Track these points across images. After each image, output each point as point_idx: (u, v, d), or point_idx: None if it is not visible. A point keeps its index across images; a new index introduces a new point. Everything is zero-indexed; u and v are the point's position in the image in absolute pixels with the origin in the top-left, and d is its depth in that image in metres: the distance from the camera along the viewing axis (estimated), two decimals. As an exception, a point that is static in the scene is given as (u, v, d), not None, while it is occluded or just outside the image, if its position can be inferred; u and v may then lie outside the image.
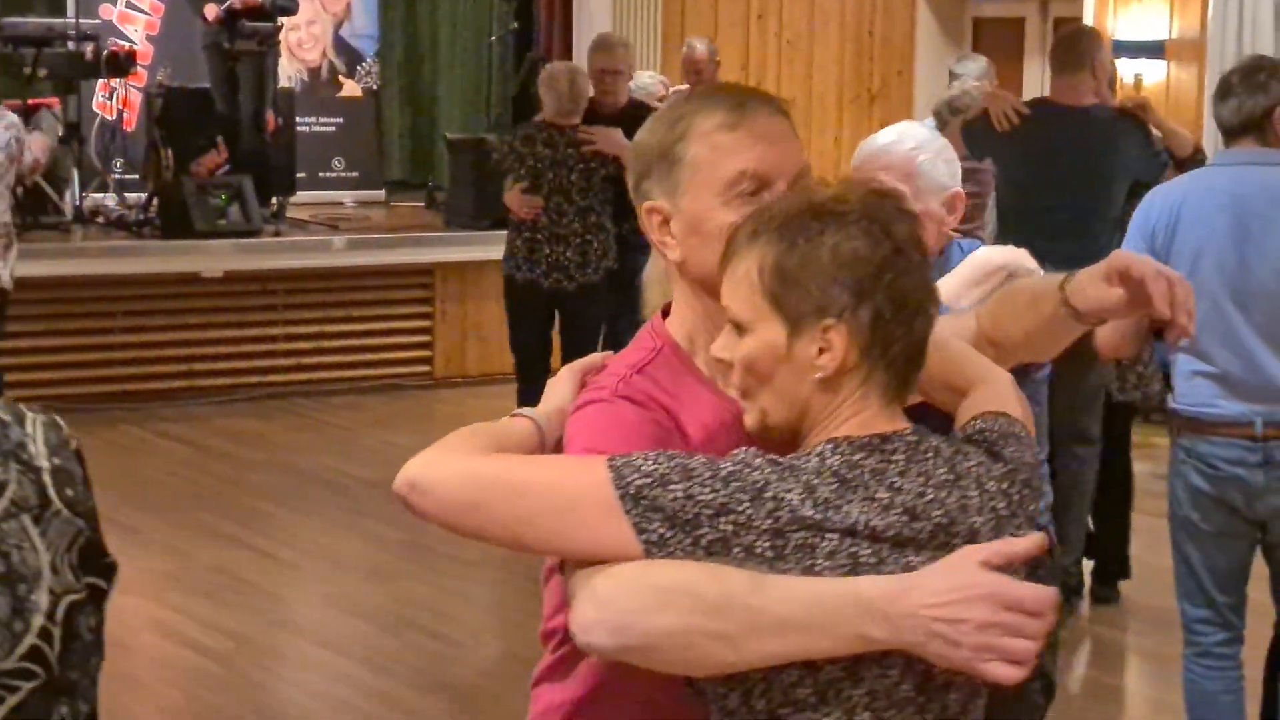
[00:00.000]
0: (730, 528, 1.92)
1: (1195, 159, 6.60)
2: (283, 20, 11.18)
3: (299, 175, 11.76)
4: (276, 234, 10.55)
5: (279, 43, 11.36)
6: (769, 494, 1.92)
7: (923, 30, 13.11)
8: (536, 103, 8.31)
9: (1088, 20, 12.16)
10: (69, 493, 1.86)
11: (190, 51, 11.27)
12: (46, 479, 1.85)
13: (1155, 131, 6.87)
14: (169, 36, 11.95)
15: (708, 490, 1.93)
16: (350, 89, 12.97)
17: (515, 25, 12.63)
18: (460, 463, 2.09)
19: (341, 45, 12.89)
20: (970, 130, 6.84)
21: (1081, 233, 6.53)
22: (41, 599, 1.81)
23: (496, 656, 6.37)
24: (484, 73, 12.96)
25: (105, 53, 10.89)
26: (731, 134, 2.23)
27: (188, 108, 11.00)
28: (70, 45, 10.92)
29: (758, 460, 1.96)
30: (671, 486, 1.94)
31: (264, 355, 10.34)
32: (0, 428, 1.86)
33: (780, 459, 1.97)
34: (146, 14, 12.11)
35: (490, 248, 10.16)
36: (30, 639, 1.79)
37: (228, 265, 10.12)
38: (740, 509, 1.92)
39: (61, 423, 1.92)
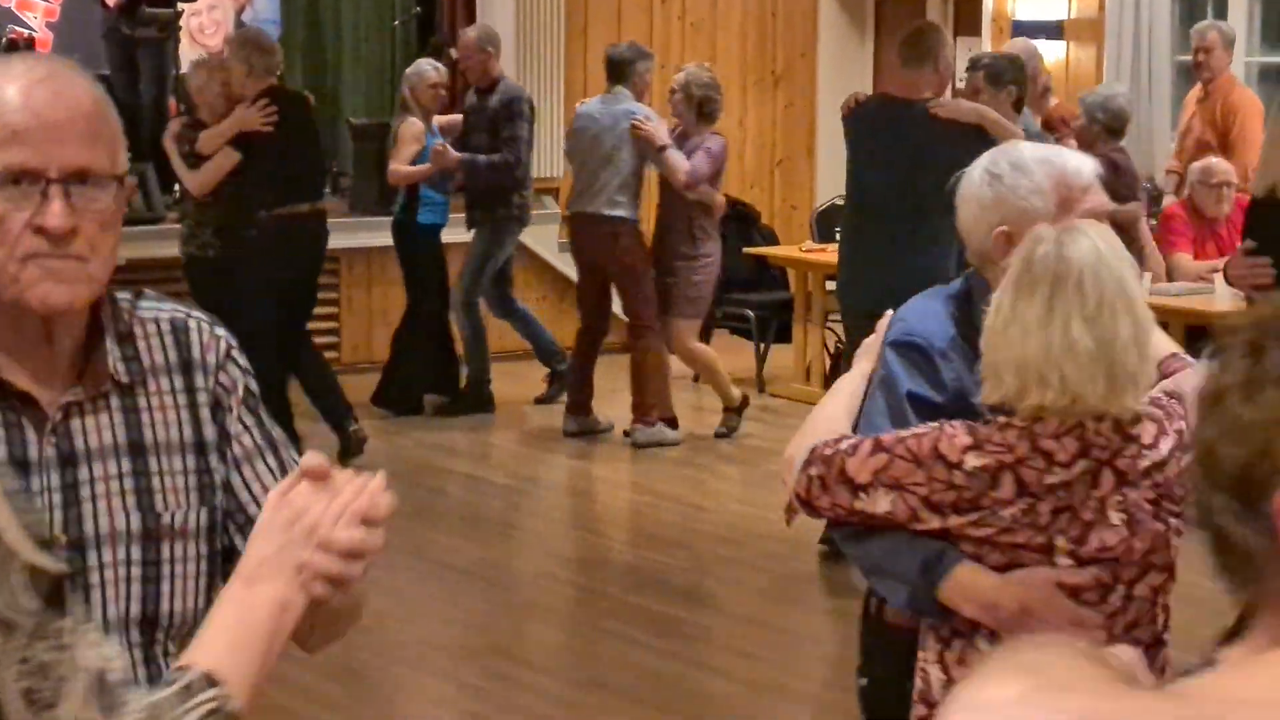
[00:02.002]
0: None
1: None
2: (183, 6, 11.10)
3: (202, 162, 11.66)
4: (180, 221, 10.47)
5: (180, 28, 11.29)
6: None
7: (825, 12, 13.17)
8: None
9: (988, 1, 12.27)
10: None
11: (91, 38, 11.17)
12: None
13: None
14: (69, 23, 11.83)
15: None
16: (253, 74, 12.86)
17: (418, 10, 12.59)
18: None
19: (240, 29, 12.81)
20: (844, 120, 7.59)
21: (902, 217, 7.09)
22: None
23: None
24: (387, 58, 12.92)
25: (4, 40, 10.79)
26: None
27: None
28: (-32, 32, 10.81)
29: None
30: None
31: (169, 343, 10.24)
32: None
33: None
34: (46, 1, 11.99)
35: (454, 230, 10.15)
36: None
37: (130, 253, 10.02)
38: None
39: None
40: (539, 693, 6.04)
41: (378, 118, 11.80)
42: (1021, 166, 3.18)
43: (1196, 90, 10.18)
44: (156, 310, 2.33)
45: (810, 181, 13.23)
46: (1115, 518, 2.94)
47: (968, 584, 2.99)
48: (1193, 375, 3.04)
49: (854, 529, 3.15)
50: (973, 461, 2.94)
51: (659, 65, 12.52)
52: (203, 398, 2.28)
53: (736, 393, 9.61)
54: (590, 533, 8.33)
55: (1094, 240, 2.91)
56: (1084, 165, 3.21)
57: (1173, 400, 3.02)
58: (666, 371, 9.48)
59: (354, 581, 1.95)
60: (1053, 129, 9.11)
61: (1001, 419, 2.95)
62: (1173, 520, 2.95)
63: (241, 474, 2.29)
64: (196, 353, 2.29)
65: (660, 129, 9.30)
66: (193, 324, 2.32)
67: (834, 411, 3.24)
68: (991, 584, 2.98)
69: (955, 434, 2.97)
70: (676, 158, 9.16)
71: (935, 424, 3.02)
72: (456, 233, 10.07)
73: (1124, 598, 2.98)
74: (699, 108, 9.28)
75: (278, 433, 2.36)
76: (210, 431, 2.28)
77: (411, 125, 9.75)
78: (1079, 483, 2.93)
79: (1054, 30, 11.85)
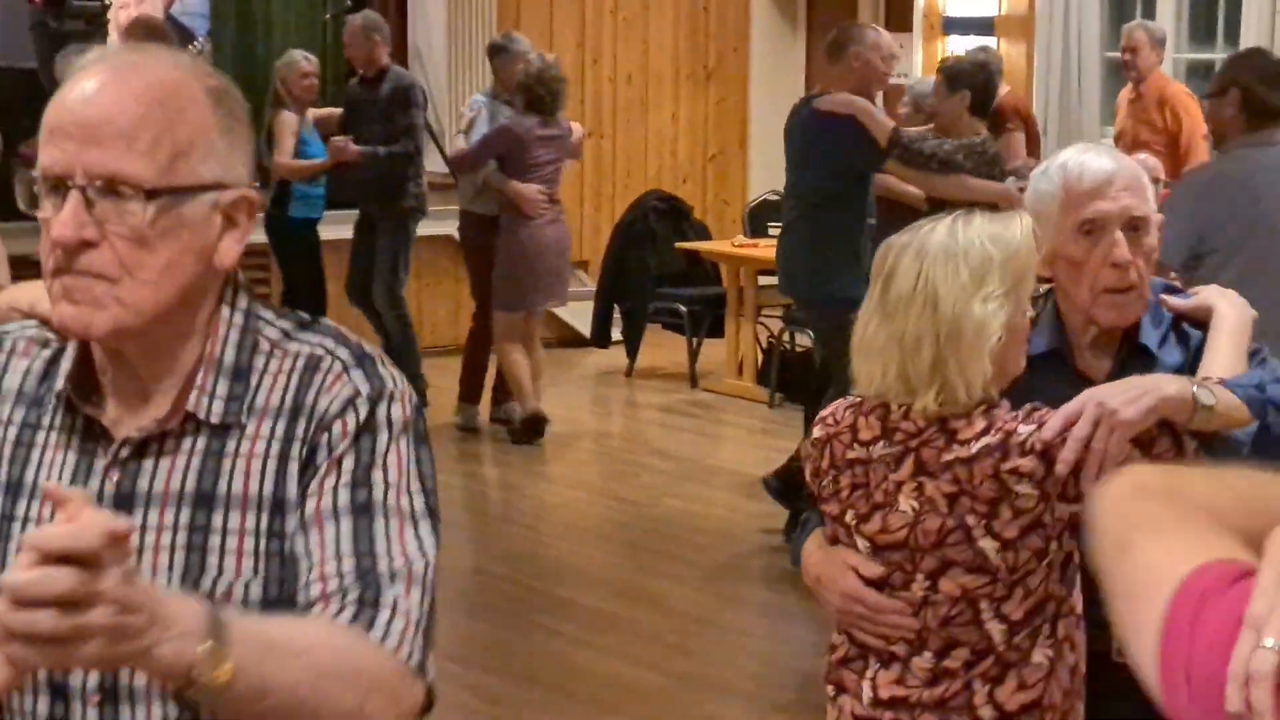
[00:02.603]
0: None
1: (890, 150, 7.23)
2: (111, -1, 11.02)
3: (131, 156, 11.58)
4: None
5: (107, 22, 11.18)
6: None
7: (757, 7, 13.19)
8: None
9: (919, -2, 12.32)
10: None
11: (18, 32, 11.07)
12: None
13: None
14: (-5, 15, 11.73)
15: None
16: (183, 68, 12.77)
17: (349, 4, 12.53)
18: None
19: (173, 24, 12.70)
20: None
21: (793, 215, 7.52)
22: None
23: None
24: (319, 50, 12.85)
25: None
26: None
27: (16, 89, 10.81)
28: (-108, 25, 10.69)
29: None
30: None
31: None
32: None
33: None
34: (-29, -7, 11.88)
35: (330, 226, 10.11)
36: None
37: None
38: None
39: None
40: (472, 689, 6.02)
41: (308, 111, 11.74)
42: (1048, 169, 3.21)
43: (1127, 91, 10.24)
44: (308, 344, 2.01)
45: (743, 176, 13.24)
46: (905, 504, 2.96)
47: (803, 556, 3.16)
48: (1109, 386, 2.96)
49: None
50: (816, 432, 3.11)
51: (592, 61, 12.56)
52: (296, 449, 1.96)
53: (533, 404, 9.48)
54: (522, 527, 8.32)
55: (943, 237, 2.92)
56: (1092, 166, 3.15)
57: (1038, 413, 2.91)
58: (510, 364, 9.39)
59: (76, 646, 1.58)
60: (1004, 118, 9.16)
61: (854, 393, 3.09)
62: (969, 518, 2.91)
63: (306, 540, 1.94)
64: (312, 396, 1.96)
65: (478, 117, 9.41)
66: (326, 363, 1.99)
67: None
68: (808, 552, 3.14)
69: (828, 410, 3.13)
70: (458, 144, 9.51)
71: None
72: (337, 228, 10.08)
73: (928, 588, 2.98)
74: (523, 97, 9.23)
75: (401, 502, 1.96)
76: (293, 489, 1.95)
77: (286, 118, 9.69)
78: (878, 464, 2.99)
79: (985, 27, 11.91)
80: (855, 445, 3.01)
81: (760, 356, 10.58)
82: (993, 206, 4.17)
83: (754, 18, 13.22)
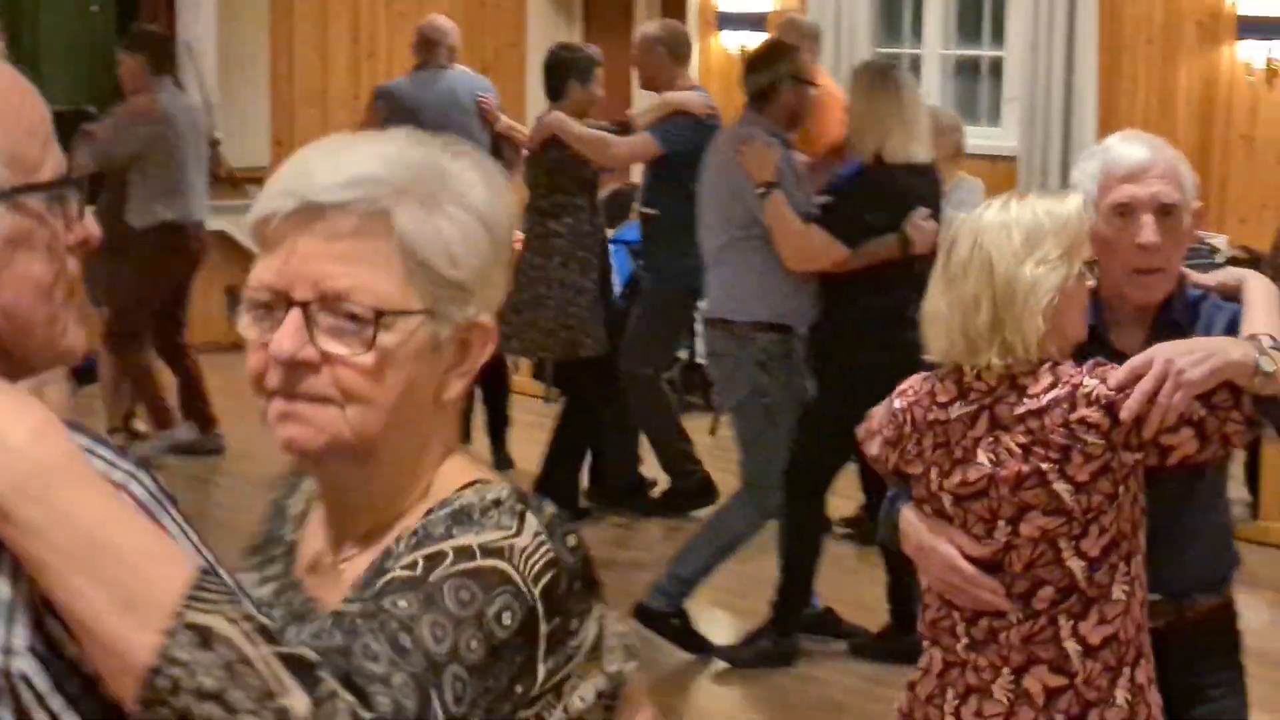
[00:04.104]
0: None
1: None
2: None
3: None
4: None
5: None
6: None
7: (533, 2, 13.18)
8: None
9: (693, -7, 12.39)
10: None
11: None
12: None
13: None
14: None
15: None
16: (-55, 60, 12.48)
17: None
18: None
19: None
20: None
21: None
22: None
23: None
24: (84, 42, 12.62)
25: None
26: None
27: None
28: None
29: None
30: None
31: None
32: None
33: None
34: None
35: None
36: None
37: None
38: None
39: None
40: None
41: (78, 105, 11.51)
42: (1093, 151, 3.52)
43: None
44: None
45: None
46: (982, 456, 3.22)
47: (903, 524, 3.38)
48: (1176, 343, 3.20)
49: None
50: (897, 404, 3.39)
51: (367, 55, 12.48)
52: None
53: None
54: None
55: (997, 211, 3.22)
56: (1129, 154, 3.40)
57: (1102, 368, 3.18)
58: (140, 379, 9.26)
59: None
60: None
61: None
62: (1044, 465, 3.16)
63: None
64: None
65: None
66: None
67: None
68: (907, 519, 3.37)
69: (905, 384, 3.41)
70: None
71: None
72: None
73: (1009, 533, 3.23)
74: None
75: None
76: None
77: None
78: (956, 423, 3.26)
79: (758, 22, 12.01)
80: (935, 408, 3.30)
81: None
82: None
83: (530, 12, 13.21)
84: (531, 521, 1.69)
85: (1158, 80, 10.44)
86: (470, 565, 1.64)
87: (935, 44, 11.54)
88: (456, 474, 1.79)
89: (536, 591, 1.65)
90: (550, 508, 1.74)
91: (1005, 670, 3.25)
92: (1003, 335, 3.16)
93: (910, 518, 3.37)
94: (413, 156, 1.75)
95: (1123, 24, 10.56)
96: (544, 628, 1.66)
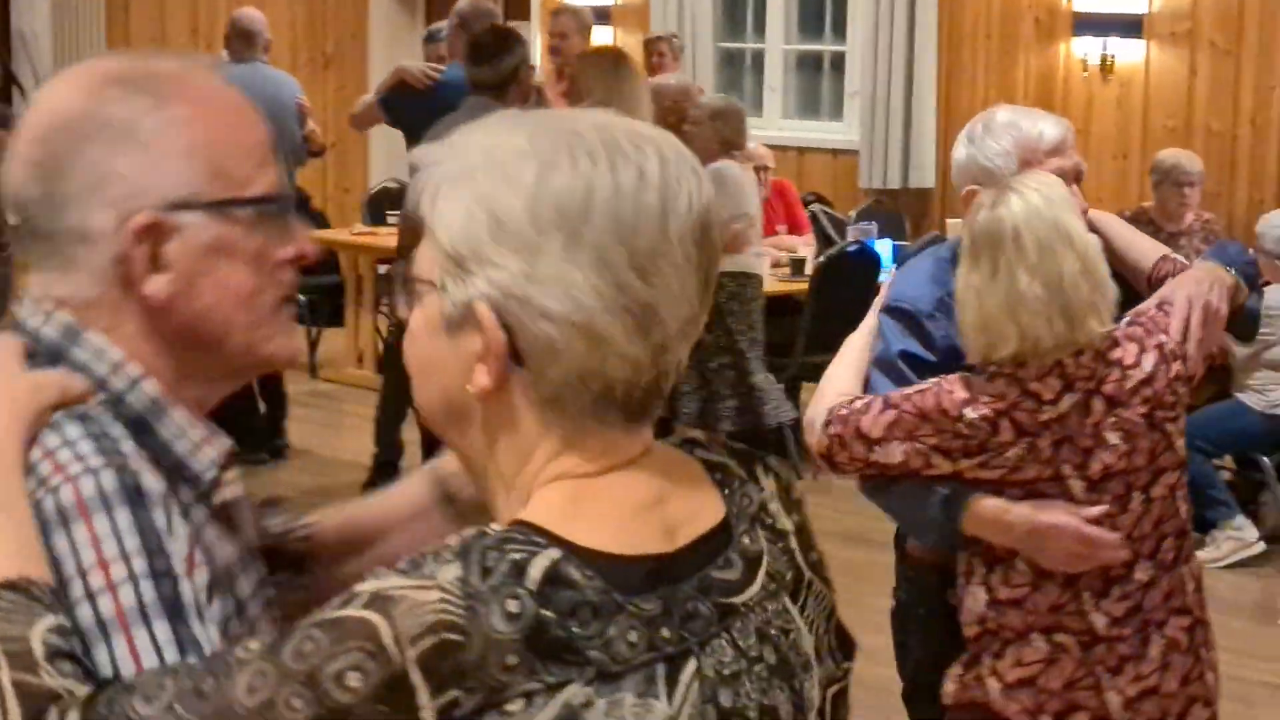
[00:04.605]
0: None
1: None
2: None
3: None
4: None
5: None
6: None
7: (375, -6, 13.12)
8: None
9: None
10: (813, 556, 1.60)
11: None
12: (793, 543, 1.58)
13: None
14: None
15: None
16: None
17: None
18: None
19: None
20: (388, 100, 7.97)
21: None
22: (814, 693, 1.55)
23: None
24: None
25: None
26: None
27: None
28: None
29: None
30: None
31: None
32: (738, 486, 1.56)
33: None
34: None
35: None
36: None
37: None
38: None
39: (782, 468, 1.63)
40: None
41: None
42: (991, 130, 3.50)
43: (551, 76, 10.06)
44: None
45: (363, 165, 13.14)
46: (1113, 438, 3.25)
47: (984, 512, 3.28)
48: (1186, 279, 3.41)
49: (875, 481, 3.41)
50: (970, 414, 3.24)
51: (205, 48, 12.31)
52: None
53: None
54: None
55: (1025, 194, 3.20)
56: (1048, 130, 3.49)
57: (1159, 312, 3.33)
58: None
59: None
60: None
61: (991, 369, 3.24)
62: (1169, 426, 3.29)
63: None
64: None
65: None
66: None
67: (843, 372, 3.51)
68: (1004, 507, 3.28)
69: (952, 390, 3.26)
70: None
71: (934, 380, 3.31)
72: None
73: (1144, 501, 3.30)
74: None
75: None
76: None
77: None
78: (1072, 414, 3.23)
79: (602, 15, 12.02)
80: (1044, 408, 3.23)
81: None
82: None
83: (373, 3, 13.13)
84: (461, 573, 1.39)
85: (996, 75, 10.60)
86: (340, 613, 1.40)
87: (778, 39, 11.61)
88: (543, 509, 1.48)
89: (411, 654, 1.37)
90: (548, 563, 1.41)
91: (1153, 631, 3.33)
92: (1094, 302, 3.20)
93: (1006, 505, 3.27)
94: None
95: (962, 19, 10.70)
96: (424, 699, 1.38)
